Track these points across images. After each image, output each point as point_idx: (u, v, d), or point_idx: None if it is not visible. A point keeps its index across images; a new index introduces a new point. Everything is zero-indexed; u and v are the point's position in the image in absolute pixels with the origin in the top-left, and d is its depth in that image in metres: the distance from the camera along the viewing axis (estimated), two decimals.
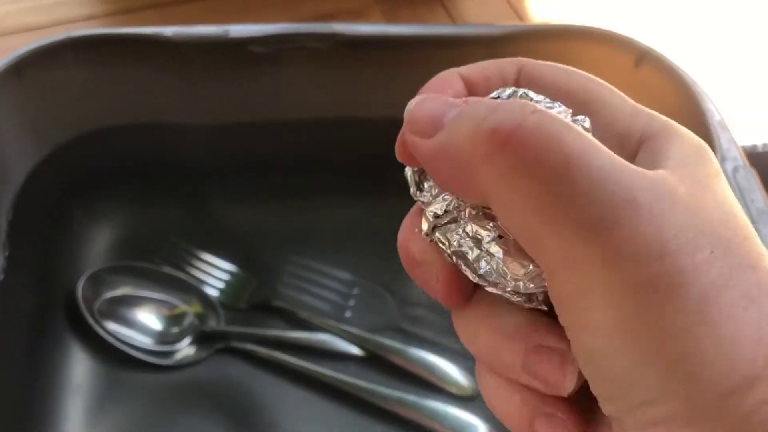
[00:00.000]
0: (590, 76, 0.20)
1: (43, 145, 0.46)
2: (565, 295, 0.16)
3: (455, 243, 0.18)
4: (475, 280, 0.18)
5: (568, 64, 0.53)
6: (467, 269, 0.18)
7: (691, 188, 0.16)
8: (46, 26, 0.60)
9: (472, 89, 0.20)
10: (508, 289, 0.18)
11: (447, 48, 0.48)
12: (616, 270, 0.15)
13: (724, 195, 0.17)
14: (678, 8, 0.67)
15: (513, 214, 0.16)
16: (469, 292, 0.19)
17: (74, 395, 0.46)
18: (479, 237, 0.18)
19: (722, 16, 0.66)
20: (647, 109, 0.19)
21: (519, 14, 0.64)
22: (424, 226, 0.19)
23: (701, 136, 0.19)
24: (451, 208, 0.18)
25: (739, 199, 0.18)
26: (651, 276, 0.15)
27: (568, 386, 0.17)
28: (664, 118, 0.19)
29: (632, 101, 0.20)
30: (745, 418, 0.15)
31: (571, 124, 0.16)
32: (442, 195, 0.18)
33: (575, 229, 0.15)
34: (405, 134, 0.18)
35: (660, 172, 0.17)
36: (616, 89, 0.20)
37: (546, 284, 0.17)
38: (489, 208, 0.17)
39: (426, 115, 0.18)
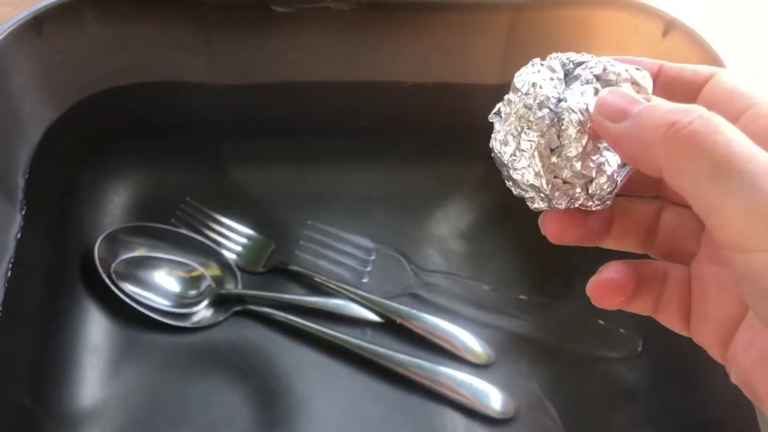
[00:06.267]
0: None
1: (61, 102, 0.45)
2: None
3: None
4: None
5: (595, 33, 0.52)
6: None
7: None
8: None
9: (664, 83, 0.26)
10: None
11: (470, 12, 0.47)
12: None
13: None
14: None
15: (680, 178, 0.21)
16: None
17: (90, 355, 0.46)
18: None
19: None
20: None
21: None
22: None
23: None
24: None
25: None
26: None
27: None
28: None
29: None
30: None
31: (722, 120, 0.21)
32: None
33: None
34: (595, 117, 0.23)
35: None
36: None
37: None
38: None
39: (616, 104, 0.23)
